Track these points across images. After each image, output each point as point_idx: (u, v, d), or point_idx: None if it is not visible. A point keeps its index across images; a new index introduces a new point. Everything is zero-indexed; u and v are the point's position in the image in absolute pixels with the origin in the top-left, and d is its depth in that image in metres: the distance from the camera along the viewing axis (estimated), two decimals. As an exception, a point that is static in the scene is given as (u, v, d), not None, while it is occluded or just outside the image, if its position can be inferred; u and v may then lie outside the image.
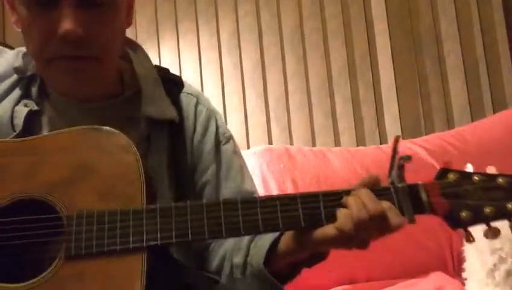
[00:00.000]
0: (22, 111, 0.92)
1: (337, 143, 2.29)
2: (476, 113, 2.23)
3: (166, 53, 2.49)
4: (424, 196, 0.82)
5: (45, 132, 0.93)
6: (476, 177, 0.85)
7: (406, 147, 1.88)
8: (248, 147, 2.32)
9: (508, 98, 2.21)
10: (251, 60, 2.42)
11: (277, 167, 1.89)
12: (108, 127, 0.85)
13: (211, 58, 2.45)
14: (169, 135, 0.98)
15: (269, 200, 0.81)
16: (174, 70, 2.67)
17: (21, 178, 0.82)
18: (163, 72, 1.07)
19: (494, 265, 1.37)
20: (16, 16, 0.91)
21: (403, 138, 2.23)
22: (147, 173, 0.85)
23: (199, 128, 1.03)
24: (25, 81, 0.96)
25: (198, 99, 1.08)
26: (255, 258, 0.87)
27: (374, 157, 1.91)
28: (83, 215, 0.79)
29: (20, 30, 0.91)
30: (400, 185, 0.81)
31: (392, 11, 2.35)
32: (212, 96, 2.42)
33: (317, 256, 0.87)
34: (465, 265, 1.50)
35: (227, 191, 1.01)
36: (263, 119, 2.37)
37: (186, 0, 2.50)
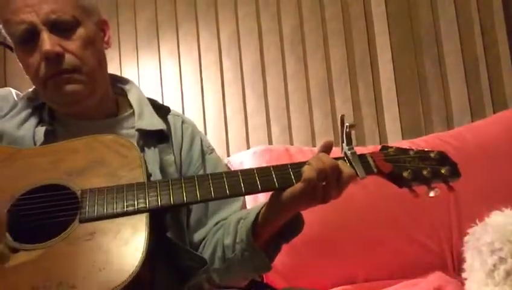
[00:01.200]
0: (40, 130, 1.13)
1: (337, 143, 2.28)
2: (476, 113, 2.23)
3: (166, 54, 2.49)
4: (370, 160, 1.02)
5: None
6: (411, 152, 1.05)
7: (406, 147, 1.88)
8: (248, 147, 2.32)
9: (508, 98, 2.21)
10: (251, 60, 2.42)
11: (277, 167, 1.89)
12: (111, 134, 1.08)
13: (211, 59, 2.45)
14: (159, 148, 1.17)
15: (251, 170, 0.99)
16: (174, 71, 2.68)
17: (45, 171, 1.00)
18: (152, 100, 1.28)
19: (494, 265, 1.37)
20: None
21: (403, 138, 2.23)
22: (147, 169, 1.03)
23: (186, 142, 1.23)
24: (37, 109, 1.18)
25: (184, 119, 1.29)
26: (242, 234, 1.03)
27: (374, 158, 1.91)
28: (94, 190, 0.96)
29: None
30: (349, 152, 1.02)
31: (392, 11, 2.35)
32: (212, 96, 2.43)
33: (292, 229, 1.05)
34: (465, 265, 1.50)
35: None
36: (263, 119, 2.37)
37: (186, 1, 2.50)
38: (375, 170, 1.01)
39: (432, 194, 0.99)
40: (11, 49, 1.19)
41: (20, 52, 1.11)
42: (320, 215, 1.78)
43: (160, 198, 0.95)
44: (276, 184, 0.97)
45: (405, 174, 1.00)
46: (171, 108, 1.30)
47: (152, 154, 1.14)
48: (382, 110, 2.31)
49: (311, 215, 1.83)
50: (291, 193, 0.96)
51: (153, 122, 1.19)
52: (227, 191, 0.96)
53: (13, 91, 1.26)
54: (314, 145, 2.29)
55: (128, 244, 0.89)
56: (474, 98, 2.24)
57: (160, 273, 1.01)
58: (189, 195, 0.96)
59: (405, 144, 1.90)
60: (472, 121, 2.18)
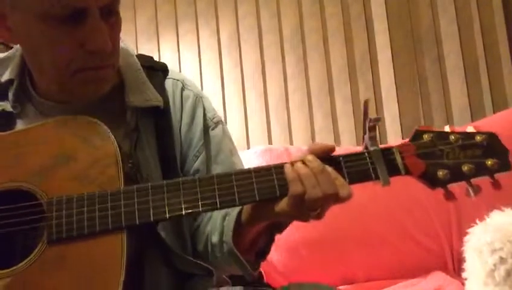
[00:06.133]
0: None
1: (337, 143, 2.29)
2: (476, 113, 2.22)
3: (166, 53, 2.49)
4: (398, 158, 0.81)
5: None
6: (452, 137, 0.83)
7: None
8: (248, 147, 2.32)
9: (508, 98, 2.21)
10: (251, 60, 2.42)
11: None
12: (83, 116, 0.88)
13: (211, 59, 2.45)
14: (157, 124, 0.98)
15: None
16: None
17: (6, 168, 0.85)
18: (146, 61, 1.05)
19: (494, 265, 1.37)
20: (5, 31, 0.89)
21: (403, 138, 2.23)
22: (129, 158, 0.88)
23: (186, 116, 1.02)
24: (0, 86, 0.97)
25: (184, 84, 1.05)
26: (227, 234, 0.89)
27: (374, 158, 1.91)
28: (62, 200, 0.81)
29: (14, 43, 0.93)
30: (372, 149, 0.82)
31: (392, 11, 2.35)
32: (212, 96, 2.42)
33: (277, 224, 0.89)
34: (465, 265, 1.50)
35: (217, 171, 1.00)
36: (263, 119, 2.37)
37: (186, 0, 2.50)
38: (403, 171, 0.82)
39: (472, 194, 0.82)
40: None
41: (47, 28, 0.84)
42: (320, 215, 1.78)
43: (137, 214, 0.80)
44: (257, 197, 0.81)
45: (440, 173, 0.81)
46: (171, 68, 1.08)
47: (148, 138, 0.97)
48: (382, 110, 2.31)
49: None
50: (276, 210, 0.81)
51: (148, 96, 0.97)
52: (218, 204, 0.81)
53: None
54: (314, 145, 2.29)
55: (103, 270, 0.78)
56: (474, 98, 2.24)
57: (157, 284, 0.91)
58: (173, 208, 0.80)
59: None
60: (472, 121, 2.18)
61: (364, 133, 0.83)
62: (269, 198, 0.81)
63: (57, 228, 0.80)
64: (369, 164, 0.81)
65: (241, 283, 1.00)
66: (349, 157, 0.82)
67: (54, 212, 0.81)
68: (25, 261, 0.79)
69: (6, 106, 0.96)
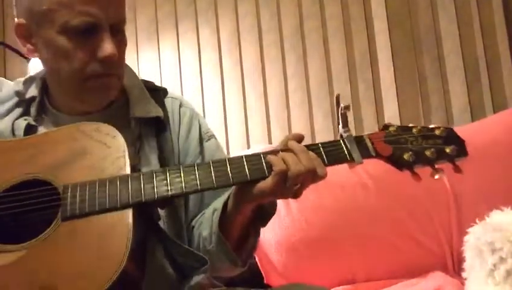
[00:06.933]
0: (21, 124, 1.09)
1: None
2: (476, 113, 2.22)
3: (166, 53, 2.49)
4: (368, 143, 0.96)
5: None
6: (414, 130, 0.98)
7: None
8: (248, 147, 2.32)
9: (508, 98, 2.21)
10: (251, 59, 2.42)
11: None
12: (93, 122, 1.02)
13: (211, 58, 2.45)
14: (157, 134, 1.12)
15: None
16: (174, 69, 2.68)
17: (24, 165, 0.96)
18: (148, 83, 1.22)
19: (494, 265, 1.37)
20: (31, 46, 1.08)
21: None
22: (134, 160, 1.01)
23: (183, 129, 1.17)
24: (24, 102, 1.13)
25: (182, 102, 1.21)
26: (215, 222, 1.01)
27: (374, 157, 1.91)
28: (76, 185, 0.92)
29: (37, 57, 1.09)
30: (346, 135, 0.96)
31: (392, 10, 2.35)
32: (212, 95, 2.43)
33: (267, 211, 1.01)
34: (465, 265, 1.50)
35: None
36: (263, 118, 2.37)
37: (186, 0, 2.50)
38: (373, 153, 0.95)
39: (436, 176, 0.94)
40: (11, 49, 1.16)
41: (66, 40, 1.02)
42: (320, 215, 1.78)
43: (143, 192, 0.90)
44: (248, 177, 0.93)
45: (406, 156, 0.94)
46: (169, 89, 1.24)
47: (150, 145, 1.10)
48: (382, 110, 2.31)
49: (311, 215, 1.84)
50: (261, 187, 0.92)
51: (149, 109, 1.13)
52: (214, 183, 0.92)
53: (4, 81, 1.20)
54: (314, 145, 2.29)
55: (111, 243, 0.86)
56: (474, 98, 2.24)
57: (157, 275, 0.99)
58: (175, 187, 0.91)
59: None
60: (472, 121, 2.18)
61: (338, 123, 0.98)
62: (259, 178, 0.92)
63: (71, 206, 0.89)
64: (344, 148, 0.95)
65: (242, 285, 1.06)
66: (327, 143, 0.96)
67: (68, 194, 0.90)
68: (39, 236, 0.87)
69: (30, 120, 1.11)
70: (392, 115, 2.29)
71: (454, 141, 0.97)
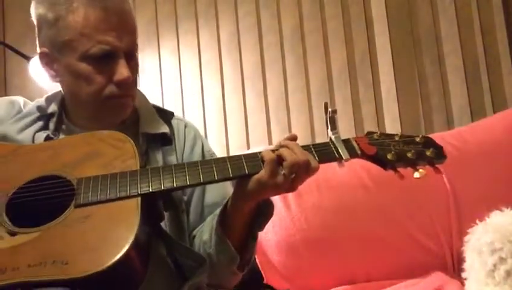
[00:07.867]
0: (41, 136, 1.21)
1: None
2: (476, 113, 2.22)
3: (166, 53, 2.50)
4: (354, 144, 1.06)
5: None
6: (396, 137, 1.08)
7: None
8: (248, 147, 2.32)
9: (508, 98, 2.21)
10: (251, 60, 2.42)
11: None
12: (107, 130, 1.14)
13: (211, 58, 2.45)
14: (163, 150, 1.23)
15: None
16: (174, 70, 2.68)
17: (44, 164, 1.08)
18: (157, 106, 1.35)
19: (494, 265, 1.37)
20: (53, 72, 1.21)
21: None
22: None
23: (188, 145, 1.29)
24: (44, 117, 1.25)
25: (186, 123, 1.35)
26: (215, 223, 1.09)
27: (374, 157, 1.91)
28: (90, 178, 1.02)
29: (58, 81, 1.23)
30: (334, 136, 1.06)
31: (392, 11, 2.35)
32: (212, 96, 2.43)
33: (264, 215, 1.10)
34: (465, 265, 1.50)
35: (210, 194, 1.24)
36: (263, 119, 2.37)
37: (186, 0, 2.50)
38: (359, 152, 1.05)
39: (417, 175, 1.02)
40: (11, 49, 1.20)
41: (86, 66, 1.16)
42: (321, 215, 1.78)
43: (151, 184, 1.00)
44: (246, 170, 1.03)
45: (389, 156, 1.03)
46: (174, 112, 1.35)
47: (156, 157, 1.21)
48: (382, 110, 2.31)
49: (311, 215, 1.84)
50: (257, 178, 1.01)
51: (157, 126, 1.26)
52: (216, 176, 1.03)
53: (22, 100, 1.33)
54: (314, 145, 2.29)
55: (119, 225, 0.94)
56: (474, 98, 2.24)
57: (159, 271, 1.04)
58: (179, 180, 1.02)
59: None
60: (472, 121, 2.18)
61: (327, 127, 1.08)
62: (255, 172, 1.02)
63: (84, 195, 0.99)
64: (333, 147, 1.05)
65: (242, 287, 1.11)
66: (318, 145, 1.07)
67: (82, 185, 1.01)
68: (54, 221, 0.96)
69: (49, 133, 1.22)
70: (392, 116, 2.29)
71: (433, 146, 1.06)
